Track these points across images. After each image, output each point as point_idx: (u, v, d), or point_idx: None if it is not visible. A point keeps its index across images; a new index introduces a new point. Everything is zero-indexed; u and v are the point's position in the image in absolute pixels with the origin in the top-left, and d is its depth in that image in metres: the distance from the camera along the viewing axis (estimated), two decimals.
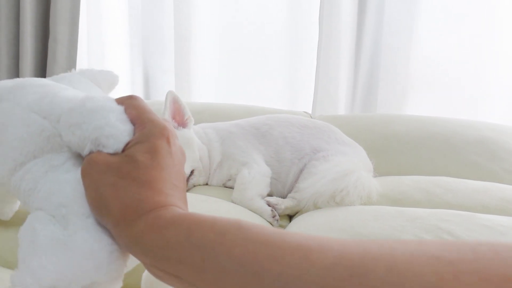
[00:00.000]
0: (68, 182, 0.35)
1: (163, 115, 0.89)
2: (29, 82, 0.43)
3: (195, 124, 0.96)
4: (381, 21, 1.49)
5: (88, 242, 0.32)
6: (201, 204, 0.74)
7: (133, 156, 0.31)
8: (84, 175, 0.32)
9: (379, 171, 0.98)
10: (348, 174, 0.80)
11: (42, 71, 1.68)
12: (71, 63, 1.64)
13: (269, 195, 0.91)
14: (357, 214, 0.68)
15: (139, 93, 1.86)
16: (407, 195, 0.80)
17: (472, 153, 1.07)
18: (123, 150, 0.32)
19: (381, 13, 1.48)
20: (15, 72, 1.67)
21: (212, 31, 1.69)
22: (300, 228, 0.69)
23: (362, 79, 1.53)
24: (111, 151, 0.32)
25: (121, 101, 0.35)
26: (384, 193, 0.81)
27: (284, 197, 0.89)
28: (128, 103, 0.35)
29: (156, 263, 0.28)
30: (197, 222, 0.28)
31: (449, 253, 0.20)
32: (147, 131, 0.32)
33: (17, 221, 0.62)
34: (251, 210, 0.80)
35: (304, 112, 1.34)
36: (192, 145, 0.90)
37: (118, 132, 0.33)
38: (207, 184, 0.95)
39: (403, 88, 1.52)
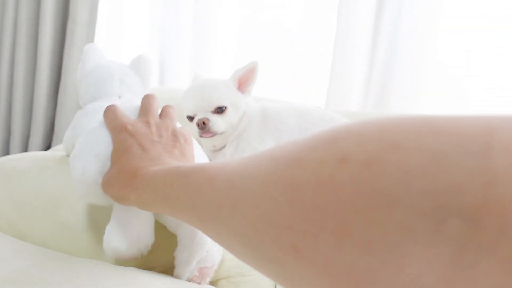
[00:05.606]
0: None
1: (236, 72, 0.94)
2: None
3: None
4: (398, 21, 1.48)
5: None
6: None
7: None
8: None
9: None
10: None
11: (59, 52, 1.70)
12: None
13: None
14: None
15: (153, 78, 1.87)
16: None
17: None
18: None
19: (399, 13, 1.48)
20: (33, 51, 1.70)
21: (230, 21, 1.70)
22: None
23: (376, 77, 1.53)
24: None
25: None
26: None
27: None
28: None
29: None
30: (164, 181, 0.36)
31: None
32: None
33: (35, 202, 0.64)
34: None
35: (317, 107, 1.34)
36: (238, 109, 0.93)
37: None
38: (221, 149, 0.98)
39: (417, 90, 1.51)
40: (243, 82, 0.95)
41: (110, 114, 0.51)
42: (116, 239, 0.49)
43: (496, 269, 0.14)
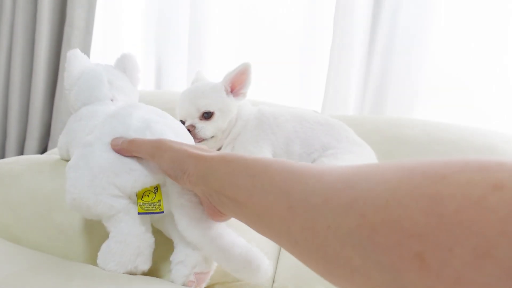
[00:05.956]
0: None
1: (227, 76, 0.92)
2: None
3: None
4: (394, 26, 1.49)
5: None
6: None
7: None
8: (154, 156, 0.48)
9: None
10: None
11: (56, 56, 1.70)
12: (86, 50, 1.66)
13: None
14: None
15: (150, 83, 1.87)
16: None
17: None
18: None
19: (395, 18, 1.49)
20: (30, 55, 1.69)
21: (227, 26, 1.70)
22: None
23: (372, 82, 1.54)
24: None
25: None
26: None
27: None
28: None
29: (221, 188, 0.40)
30: (252, 158, 0.39)
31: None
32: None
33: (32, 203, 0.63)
34: None
35: (314, 111, 1.34)
36: (227, 114, 0.92)
37: None
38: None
39: (413, 93, 1.52)
40: (237, 85, 0.94)
41: None
42: (113, 263, 0.49)
43: None
